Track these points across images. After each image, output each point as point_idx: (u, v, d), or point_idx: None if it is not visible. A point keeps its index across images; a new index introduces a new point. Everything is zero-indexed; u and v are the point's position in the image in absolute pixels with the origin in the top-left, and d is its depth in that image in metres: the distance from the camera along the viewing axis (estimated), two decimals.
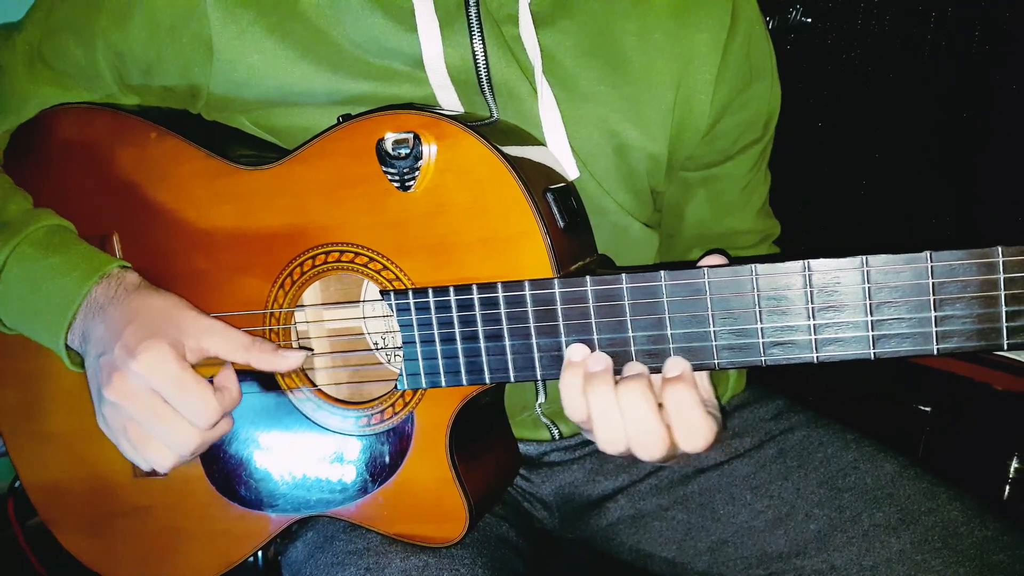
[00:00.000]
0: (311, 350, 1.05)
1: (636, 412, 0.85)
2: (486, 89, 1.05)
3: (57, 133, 1.11)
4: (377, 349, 1.09)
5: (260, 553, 1.16)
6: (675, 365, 0.86)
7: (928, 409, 1.58)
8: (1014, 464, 1.51)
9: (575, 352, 0.89)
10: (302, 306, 1.04)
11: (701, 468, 1.23)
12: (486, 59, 1.04)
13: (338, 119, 0.98)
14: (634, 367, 0.88)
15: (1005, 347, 0.80)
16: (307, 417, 1.04)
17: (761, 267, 0.83)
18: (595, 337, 0.88)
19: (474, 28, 1.03)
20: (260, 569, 1.29)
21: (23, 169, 1.13)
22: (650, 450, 0.86)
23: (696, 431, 0.85)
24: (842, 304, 0.82)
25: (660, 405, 0.86)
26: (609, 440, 0.87)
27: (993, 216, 1.50)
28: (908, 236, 1.62)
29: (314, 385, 1.05)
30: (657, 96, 1.10)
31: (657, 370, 0.88)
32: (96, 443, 1.07)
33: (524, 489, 1.30)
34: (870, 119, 1.62)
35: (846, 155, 1.67)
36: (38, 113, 1.11)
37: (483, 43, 1.04)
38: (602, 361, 0.88)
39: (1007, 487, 1.52)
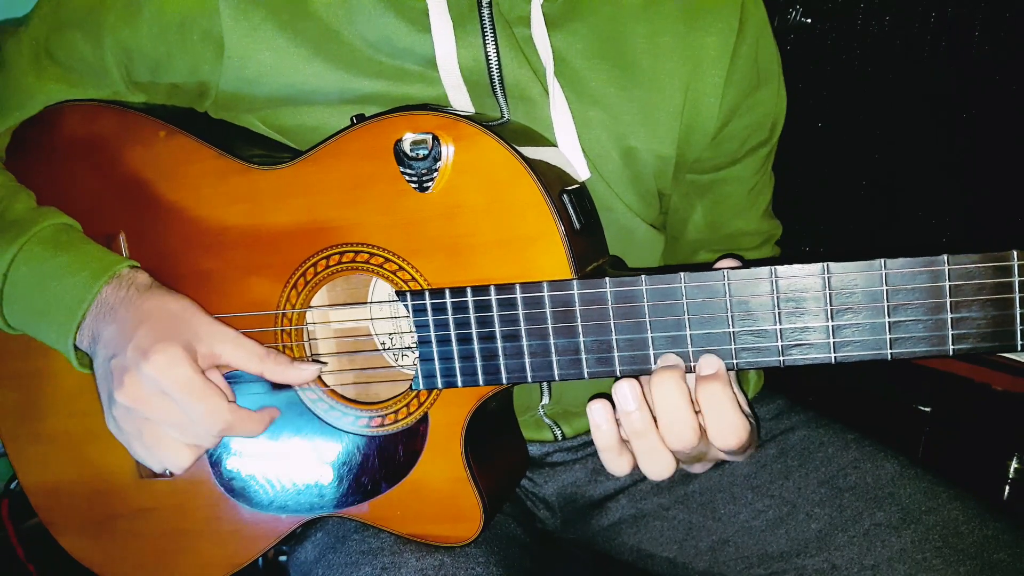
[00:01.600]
0: (325, 363, 1.04)
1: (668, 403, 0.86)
2: (498, 90, 1.05)
3: (62, 130, 1.10)
4: (384, 350, 1.08)
5: None
6: (709, 363, 0.86)
7: (928, 409, 1.59)
8: (1014, 464, 1.53)
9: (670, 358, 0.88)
10: (314, 307, 1.03)
11: None
12: (499, 60, 1.04)
13: (351, 119, 0.98)
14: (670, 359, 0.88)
15: (1019, 348, 0.81)
16: (319, 417, 1.04)
17: (781, 269, 0.84)
18: (613, 338, 0.89)
19: (487, 29, 1.03)
20: (260, 570, 1.29)
21: (27, 167, 1.12)
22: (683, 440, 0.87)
23: (730, 428, 0.86)
24: (860, 306, 0.83)
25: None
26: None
27: (993, 217, 1.51)
28: (908, 237, 1.62)
29: (326, 386, 1.04)
30: (666, 99, 1.10)
31: None
32: (99, 444, 1.06)
33: (527, 489, 1.30)
34: (870, 119, 1.63)
35: (846, 155, 1.67)
36: (42, 110, 1.10)
37: (495, 44, 1.03)
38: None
39: (1007, 487, 1.54)
